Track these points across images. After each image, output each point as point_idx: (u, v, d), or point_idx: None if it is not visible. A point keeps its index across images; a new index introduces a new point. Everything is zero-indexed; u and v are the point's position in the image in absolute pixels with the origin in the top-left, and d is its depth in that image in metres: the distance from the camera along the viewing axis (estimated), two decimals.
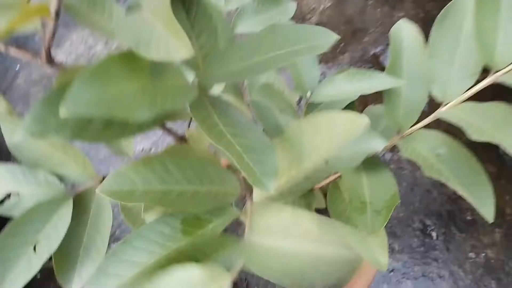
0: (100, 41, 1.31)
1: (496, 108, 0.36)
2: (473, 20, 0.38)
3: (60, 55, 1.31)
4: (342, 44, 1.06)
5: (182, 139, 0.39)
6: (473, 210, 0.87)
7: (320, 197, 0.54)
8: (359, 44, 1.06)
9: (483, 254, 0.84)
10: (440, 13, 0.44)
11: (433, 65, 0.43)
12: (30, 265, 0.31)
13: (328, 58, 1.05)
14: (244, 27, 0.55)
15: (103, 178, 0.35)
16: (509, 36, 0.37)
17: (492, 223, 0.86)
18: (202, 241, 0.24)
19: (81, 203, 0.35)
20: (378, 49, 1.04)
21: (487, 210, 0.34)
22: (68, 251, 0.34)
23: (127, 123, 0.23)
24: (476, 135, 0.33)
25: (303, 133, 0.30)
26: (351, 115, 0.31)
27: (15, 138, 0.35)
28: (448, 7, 0.43)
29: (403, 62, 0.45)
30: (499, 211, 0.86)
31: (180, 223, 0.27)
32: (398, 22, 0.48)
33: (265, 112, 0.43)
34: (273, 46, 0.27)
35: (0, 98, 0.34)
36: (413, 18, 1.07)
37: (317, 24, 1.10)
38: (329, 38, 0.29)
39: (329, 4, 1.13)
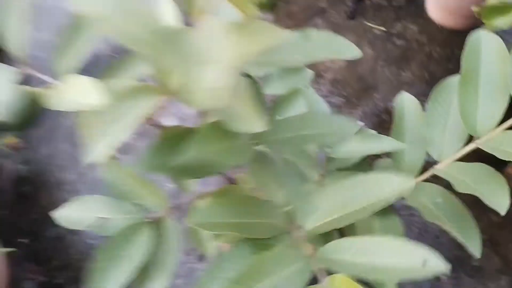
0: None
1: (479, 168, 0.47)
2: (459, 97, 0.49)
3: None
4: (355, 100, 1.19)
5: (231, 180, 0.50)
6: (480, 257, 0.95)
7: (336, 236, 0.63)
8: (370, 100, 1.19)
9: None
10: (434, 90, 0.55)
11: (430, 131, 0.54)
12: (122, 275, 0.42)
13: (343, 112, 1.17)
14: (270, 89, 0.67)
15: (173, 209, 0.47)
16: (486, 111, 0.48)
17: (498, 270, 0.94)
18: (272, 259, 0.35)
19: (156, 229, 0.46)
20: (387, 104, 1.17)
21: (474, 247, 0.44)
22: (145, 266, 0.45)
23: (212, 167, 0.35)
24: (462, 189, 0.44)
25: (355, 186, 0.40)
26: (402, 179, 0.40)
27: (110, 175, 0.46)
28: (440, 86, 0.55)
29: (405, 127, 0.57)
30: (504, 259, 0.94)
31: (250, 248, 0.37)
32: (400, 93, 0.60)
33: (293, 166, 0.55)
34: (310, 129, 0.39)
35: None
36: (418, 79, 1.20)
37: (332, 80, 1.23)
38: (352, 128, 0.40)
39: (342, 64, 1.27)
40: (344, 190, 0.43)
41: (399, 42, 1.29)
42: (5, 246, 0.93)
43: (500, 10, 0.81)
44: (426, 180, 0.54)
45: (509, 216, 0.96)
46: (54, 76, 0.39)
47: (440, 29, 1.29)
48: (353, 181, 0.44)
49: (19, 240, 1.14)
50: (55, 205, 1.19)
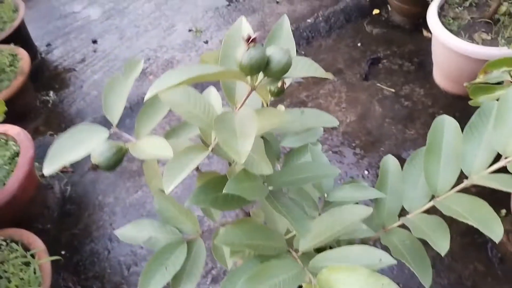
0: None
1: (434, 219, 0.61)
2: (424, 163, 0.64)
3: None
4: (362, 151, 1.34)
5: (247, 214, 0.66)
6: None
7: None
8: (376, 152, 1.34)
9: None
10: (410, 155, 0.71)
11: (405, 187, 0.69)
12: (165, 276, 0.58)
13: (352, 162, 1.32)
14: (287, 142, 0.84)
15: (202, 233, 0.63)
16: (445, 178, 0.63)
17: None
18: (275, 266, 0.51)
19: (189, 247, 0.62)
20: None
21: (426, 279, 0.58)
22: (179, 274, 0.61)
23: (240, 201, 0.51)
24: (417, 234, 0.58)
25: (331, 217, 0.57)
26: (364, 208, 0.57)
27: (159, 204, 0.64)
28: (414, 153, 0.71)
29: (388, 182, 0.72)
30: None
31: (260, 262, 0.53)
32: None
33: (299, 205, 0.71)
34: (306, 172, 0.56)
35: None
36: (421, 136, 1.35)
37: (343, 133, 1.39)
38: (334, 171, 0.57)
39: (353, 118, 1.43)
40: (326, 219, 0.58)
41: (406, 102, 1.45)
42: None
43: (484, 89, 0.96)
44: (400, 226, 0.68)
45: (492, 267, 1.07)
46: (135, 135, 0.57)
47: (444, 94, 1.45)
48: (332, 211, 0.59)
49: (61, 252, 1.32)
50: (95, 223, 1.38)
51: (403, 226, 0.69)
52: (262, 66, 0.42)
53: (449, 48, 1.26)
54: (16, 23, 1.84)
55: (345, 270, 0.45)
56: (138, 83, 1.79)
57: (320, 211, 0.75)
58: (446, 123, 0.65)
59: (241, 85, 0.51)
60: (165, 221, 0.64)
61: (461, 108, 1.38)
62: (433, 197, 0.65)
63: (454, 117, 1.34)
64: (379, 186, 0.72)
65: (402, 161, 0.73)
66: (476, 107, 1.08)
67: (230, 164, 0.63)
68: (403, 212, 0.71)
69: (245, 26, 0.52)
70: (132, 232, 0.64)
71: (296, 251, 0.58)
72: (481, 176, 0.58)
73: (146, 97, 0.39)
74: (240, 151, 0.39)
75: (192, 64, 1.77)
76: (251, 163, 0.50)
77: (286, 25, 0.55)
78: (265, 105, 0.65)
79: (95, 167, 0.55)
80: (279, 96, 0.60)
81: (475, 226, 0.52)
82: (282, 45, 0.52)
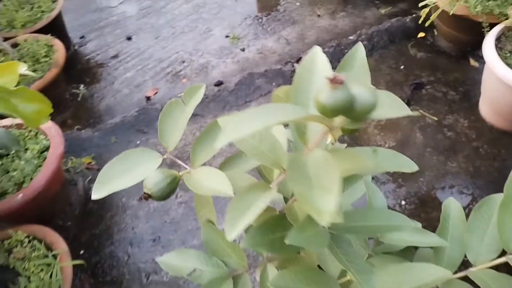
0: None
1: (506, 279, 0.56)
2: (498, 215, 0.59)
3: None
4: (400, 179, 1.29)
5: (298, 252, 0.62)
6: None
7: None
8: (415, 182, 1.28)
9: None
10: (477, 204, 0.65)
11: (470, 236, 0.63)
12: None
13: (389, 191, 1.27)
14: None
15: (249, 267, 0.58)
16: None
17: None
18: None
19: (235, 282, 0.57)
20: (430, 190, 1.25)
21: None
22: None
23: (292, 247, 0.46)
24: None
25: (400, 273, 0.52)
26: (442, 271, 0.51)
27: (207, 235, 0.59)
28: (483, 201, 0.65)
29: (449, 229, 0.66)
30: None
31: None
32: (449, 198, 0.70)
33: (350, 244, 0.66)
34: (371, 220, 0.51)
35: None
36: (463, 170, 1.29)
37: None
38: (408, 224, 0.51)
39: (393, 144, 1.38)
40: (393, 274, 0.53)
41: (449, 133, 1.39)
42: None
43: None
44: (460, 278, 0.63)
45: None
46: (190, 163, 0.53)
47: (490, 128, 1.38)
48: (402, 266, 0.54)
49: (80, 251, 1.28)
50: (117, 225, 1.34)
51: (464, 279, 0.64)
52: (348, 108, 0.37)
53: (502, 82, 1.20)
54: (54, 13, 1.83)
55: None
56: (171, 85, 1.76)
57: (370, 251, 0.70)
58: None
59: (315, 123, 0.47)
60: (211, 253, 0.60)
61: (507, 145, 1.32)
62: (504, 253, 0.59)
63: (499, 154, 1.27)
64: (440, 231, 0.67)
65: (442, 195, 0.68)
66: None
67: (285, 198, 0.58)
68: (463, 264, 0.65)
69: (321, 58, 0.46)
70: (176, 261, 0.60)
71: None
72: None
73: (216, 146, 0.33)
74: (321, 209, 0.32)
75: (265, 105, 1.73)
76: None
77: (360, 54, 0.49)
78: (333, 141, 0.60)
79: (147, 197, 0.51)
80: (352, 133, 0.55)
81: None
82: (355, 76, 0.48)
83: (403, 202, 1.24)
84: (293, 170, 0.37)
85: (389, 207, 1.23)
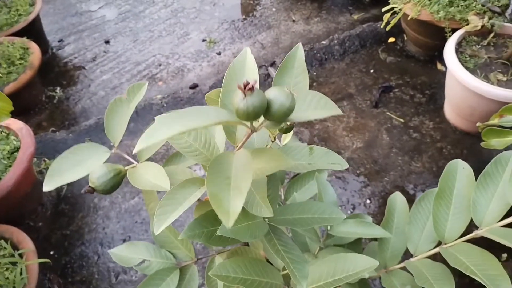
0: None
1: (440, 267, 0.59)
2: (433, 208, 0.62)
3: None
4: (367, 179, 1.32)
5: (246, 243, 0.64)
6: None
7: None
8: (380, 182, 1.31)
9: None
10: (419, 197, 0.68)
11: (411, 229, 0.67)
12: None
13: (355, 190, 1.30)
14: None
15: (197, 259, 0.61)
16: (453, 226, 0.60)
17: None
18: None
19: (182, 273, 0.60)
20: (394, 189, 1.29)
21: None
22: None
23: (237, 238, 0.49)
24: (420, 283, 0.56)
25: (333, 263, 0.54)
26: (370, 260, 0.54)
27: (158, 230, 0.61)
28: (424, 194, 0.68)
29: (394, 221, 0.69)
30: None
31: None
32: (394, 193, 0.73)
33: (301, 238, 0.68)
34: (310, 213, 0.53)
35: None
36: (427, 170, 1.33)
37: (348, 159, 1.37)
38: (340, 217, 0.54)
39: (360, 145, 1.41)
40: (328, 263, 0.56)
41: (414, 134, 1.43)
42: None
43: (497, 133, 0.95)
44: (402, 268, 0.66)
45: None
46: (138, 157, 0.55)
47: (454, 129, 1.43)
48: (334, 257, 0.57)
49: (50, 252, 1.29)
50: (87, 226, 1.35)
51: (406, 268, 0.67)
52: (261, 112, 0.38)
53: (463, 85, 1.25)
54: (31, 17, 1.84)
55: None
56: (147, 88, 1.77)
57: (321, 244, 0.73)
58: (460, 168, 0.63)
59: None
60: (161, 245, 0.62)
61: (469, 145, 1.37)
62: (439, 243, 0.63)
63: (462, 154, 1.31)
64: (385, 224, 0.70)
65: (405, 194, 0.71)
66: (485, 148, 1.06)
67: None
68: (406, 254, 0.68)
69: (249, 59, 0.48)
70: (126, 253, 0.62)
71: None
72: (492, 229, 0.56)
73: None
74: (230, 210, 0.34)
75: (189, 108, 1.76)
76: (251, 203, 0.47)
77: (299, 55, 0.51)
78: (271, 138, 0.63)
79: (92, 190, 0.53)
80: (288, 132, 0.57)
81: (482, 283, 0.49)
82: (294, 75, 0.50)
83: (368, 201, 1.27)
84: (214, 169, 0.38)
85: (353, 206, 1.26)
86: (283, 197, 0.85)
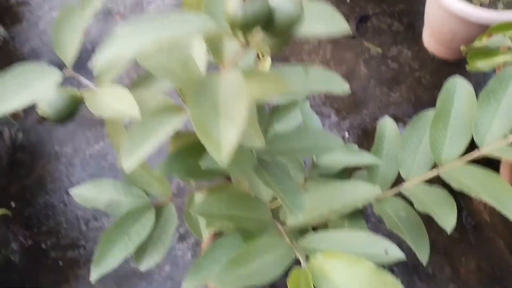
0: None
1: (437, 191, 0.55)
2: (431, 129, 0.57)
3: None
4: (344, 112, 1.27)
5: (228, 178, 0.58)
6: (434, 266, 1.05)
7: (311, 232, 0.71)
8: (358, 114, 1.27)
9: None
10: (413, 119, 0.64)
11: (403, 153, 0.62)
12: (127, 248, 0.49)
13: (333, 123, 1.25)
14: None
15: (173, 196, 0.54)
16: (452, 145, 0.56)
17: (448, 279, 1.04)
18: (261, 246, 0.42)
19: (158, 212, 0.53)
20: (373, 121, 1.25)
21: (423, 256, 0.52)
22: (144, 243, 0.52)
23: (221, 172, 0.42)
24: (420, 208, 0.52)
25: (329, 193, 0.49)
26: (370, 187, 0.49)
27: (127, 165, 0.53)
28: (417, 117, 0.63)
29: (383, 147, 0.65)
30: (455, 270, 1.04)
31: (241, 237, 0.45)
32: (384, 118, 0.68)
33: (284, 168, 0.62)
34: (302, 141, 0.47)
35: None
36: (406, 100, 1.29)
37: (326, 93, 1.31)
38: (337, 142, 0.48)
39: None
40: (324, 193, 0.51)
41: (393, 64, 1.37)
42: None
43: (483, 54, 0.89)
44: (394, 195, 0.62)
45: (466, 234, 1.06)
46: (94, 80, 0.46)
47: (432, 58, 1.38)
48: (330, 187, 0.52)
49: (11, 204, 1.19)
50: (50, 174, 1.26)
51: (398, 196, 0.63)
52: (263, 22, 0.30)
53: (444, 9, 1.18)
54: None
55: (344, 260, 0.38)
56: (102, 25, 1.60)
57: (307, 174, 0.68)
58: (459, 87, 0.58)
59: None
60: (131, 182, 0.54)
61: (448, 74, 1.31)
62: (435, 166, 0.59)
63: (440, 82, 1.26)
64: (374, 150, 0.65)
65: None
66: (465, 76, 1.01)
67: None
68: (398, 181, 0.64)
69: None
70: (91, 193, 0.54)
71: (283, 224, 0.50)
72: (495, 147, 0.52)
73: (95, 66, 0.26)
74: (222, 142, 0.27)
75: (164, 11, 1.60)
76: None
77: None
78: (260, 57, 0.54)
79: (42, 120, 0.44)
80: (281, 49, 0.49)
81: (489, 203, 0.46)
82: None
83: (346, 135, 1.23)
84: (199, 93, 0.30)
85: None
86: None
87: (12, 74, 0.46)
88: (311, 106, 1.27)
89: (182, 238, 1.11)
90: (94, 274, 0.45)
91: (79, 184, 1.19)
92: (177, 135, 0.48)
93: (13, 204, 1.20)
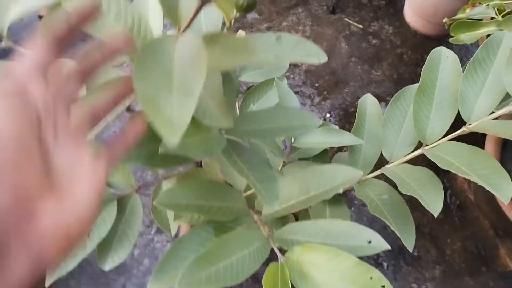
0: None
1: (422, 171, 0.52)
2: (414, 105, 0.54)
3: None
4: (325, 92, 1.23)
5: (198, 165, 0.53)
6: (419, 248, 1.03)
7: (292, 219, 0.68)
8: (339, 94, 1.23)
9: (424, 286, 0.99)
10: (395, 95, 0.60)
11: (385, 132, 0.58)
12: (85, 247, 0.44)
13: (314, 104, 1.21)
14: (247, 77, 0.70)
15: (139, 188, 0.49)
16: (437, 122, 0.52)
17: (434, 260, 1.02)
18: (235, 239, 0.38)
19: (121, 205, 0.48)
20: (355, 99, 1.21)
21: (408, 242, 0.49)
22: (107, 239, 0.47)
23: (187, 157, 0.37)
24: (404, 190, 0.49)
25: (307, 178, 0.44)
26: (351, 170, 0.45)
27: None
28: (400, 92, 0.59)
29: (365, 126, 0.61)
30: (440, 251, 1.02)
31: (213, 229, 0.40)
32: (364, 95, 0.64)
33: (261, 154, 0.58)
34: (277, 121, 0.42)
35: None
36: (387, 78, 1.25)
37: (306, 71, 1.26)
38: (315, 121, 0.43)
39: None
40: (301, 179, 0.47)
41: (374, 41, 1.33)
42: None
43: (467, 26, 0.86)
44: (377, 177, 0.58)
45: (451, 214, 1.05)
46: None
47: (414, 33, 1.34)
48: (309, 170, 0.48)
49: None
50: None
51: (380, 178, 0.60)
52: None
53: None
54: None
55: (324, 253, 0.34)
56: None
57: (285, 158, 0.63)
58: (443, 57, 0.53)
59: None
60: None
61: (431, 49, 1.29)
62: (420, 145, 0.55)
63: (422, 59, 1.20)
64: (355, 130, 0.61)
65: None
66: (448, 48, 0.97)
67: None
68: (381, 162, 0.61)
69: None
70: None
71: (258, 213, 0.46)
72: (483, 122, 0.48)
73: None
74: (174, 120, 0.22)
75: None
76: (204, 112, 0.35)
77: None
78: (227, 24, 0.49)
79: None
80: (249, 11, 0.44)
81: (479, 183, 0.42)
82: None
83: (327, 115, 1.19)
84: (146, 60, 0.25)
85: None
86: (238, 112, 0.73)
87: None
88: (291, 85, 1.23)
89: (160, 230, 1.06)
90: (48, 280, 0.40)
91: None
92: (134, 115, 0.43)
93: None
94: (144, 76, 0.24)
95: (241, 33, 0.73)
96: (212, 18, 0.42)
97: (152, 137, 0.38)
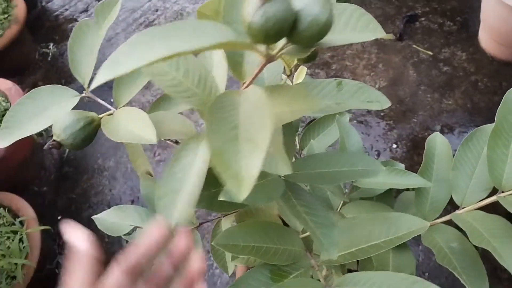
0: None
1: (497, 221, 0.47)
2: (488, 148, 0.50)
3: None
4: (392, 121, 1.19)
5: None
6: None
7: (353, 263, 0.65)
8: (407, 123, 1.18)
9: None
10: (465, 137, 0.56)
11: (456, 175, 0.54)
12: None
13: (379, 134, 1.17)
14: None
15: (200, 224, 0.50)
16: None
17: None
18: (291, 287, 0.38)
19: None
20: (424, 131, 1.15)
21: None
22: None
23: (235, 204, 0.38)
24: (476, 241, 0.45)
25: (374, 222, 0.43)
26: (418, 221, 0.43)
27: (146, 190, 0.51)
28: (472, 132, 0.55)
29: (433, 167, 0.57)
30: None
31: (269, 273, 0.40)
32: (433, 134, 0.60)
33: (321, 192, 0.57)
34: (339, 165, 0.41)
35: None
36: (460, 107, 1.18)
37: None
38: (378, 168, 0.42)
39: (384, 84, 1.26)
40: (364, 225, 0.45)
41: (445, 68, 1.27)
42: (41, 221, 1.00)
43: None
44: (445, 223, 0.54)
45: None
46: (115, 102, 0.44)
47: (490, 59, 1.26)
48: (372, 217, 0.46)
49: (57, 217, 1.23)
50: (93, 188, 1.28)
51: (450, 223, 0.55)
52: (286, 29, 0.26)
53: (505, 4, 1.06)
54: None
55: None
56: None
57: (346, 198, 0.61)
58: None
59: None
60: (153, 209, 0.52)
61: (510, 76, 1.20)
62: (495, 192, 0.51)
63: (501, 87, 1.12)
64: (423, 171, 0.58)
65: None
66: None
67: None
68: (449, 207, 0.57)
69: None
70: (114, 219, 0.52)
71: (316, 257, 0.45)
72: None
73: (94, 85, 0.22)
74: (242, 173, 0.23)
75: (174, 23, 1.59)
76: (264, 159, 0.35)
77: None
78: (287, 71, 0.49)
79: (58, 145, 0.42)
80: (310, 62, 0.44)
81: None
82: None
83: (394, 146, 1.14)
84: (216, 114, 0.26)
85: (378, 152, 1.14)
86: (298, 147, 0.73)
87: (29, 97, 0.46)
88: (354, 115, 1.20)
89: None
90: None
91: (120, 197, 1.22)
92: None
93: (59, 217, 1.23)
94: (213, 129, 0.25)
95: (302, 68, 0.73)
96: (273, 66, 0.43)
97: (213, 181, 0.39)
